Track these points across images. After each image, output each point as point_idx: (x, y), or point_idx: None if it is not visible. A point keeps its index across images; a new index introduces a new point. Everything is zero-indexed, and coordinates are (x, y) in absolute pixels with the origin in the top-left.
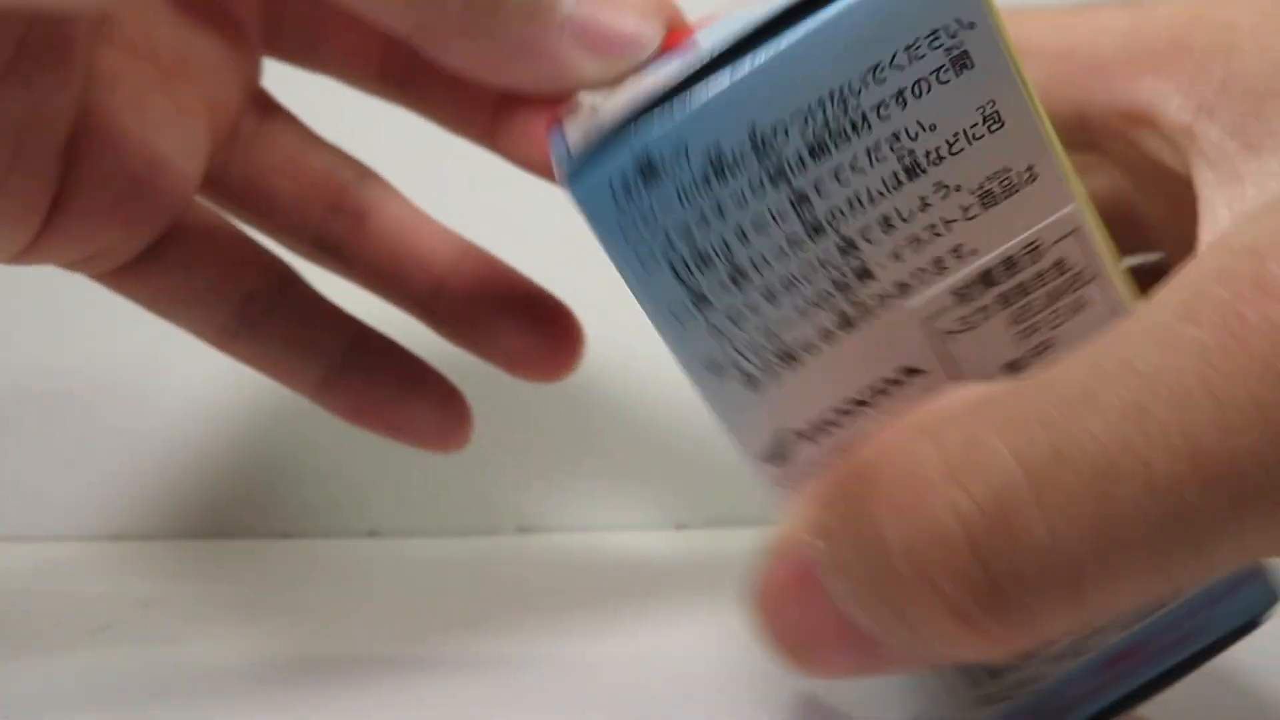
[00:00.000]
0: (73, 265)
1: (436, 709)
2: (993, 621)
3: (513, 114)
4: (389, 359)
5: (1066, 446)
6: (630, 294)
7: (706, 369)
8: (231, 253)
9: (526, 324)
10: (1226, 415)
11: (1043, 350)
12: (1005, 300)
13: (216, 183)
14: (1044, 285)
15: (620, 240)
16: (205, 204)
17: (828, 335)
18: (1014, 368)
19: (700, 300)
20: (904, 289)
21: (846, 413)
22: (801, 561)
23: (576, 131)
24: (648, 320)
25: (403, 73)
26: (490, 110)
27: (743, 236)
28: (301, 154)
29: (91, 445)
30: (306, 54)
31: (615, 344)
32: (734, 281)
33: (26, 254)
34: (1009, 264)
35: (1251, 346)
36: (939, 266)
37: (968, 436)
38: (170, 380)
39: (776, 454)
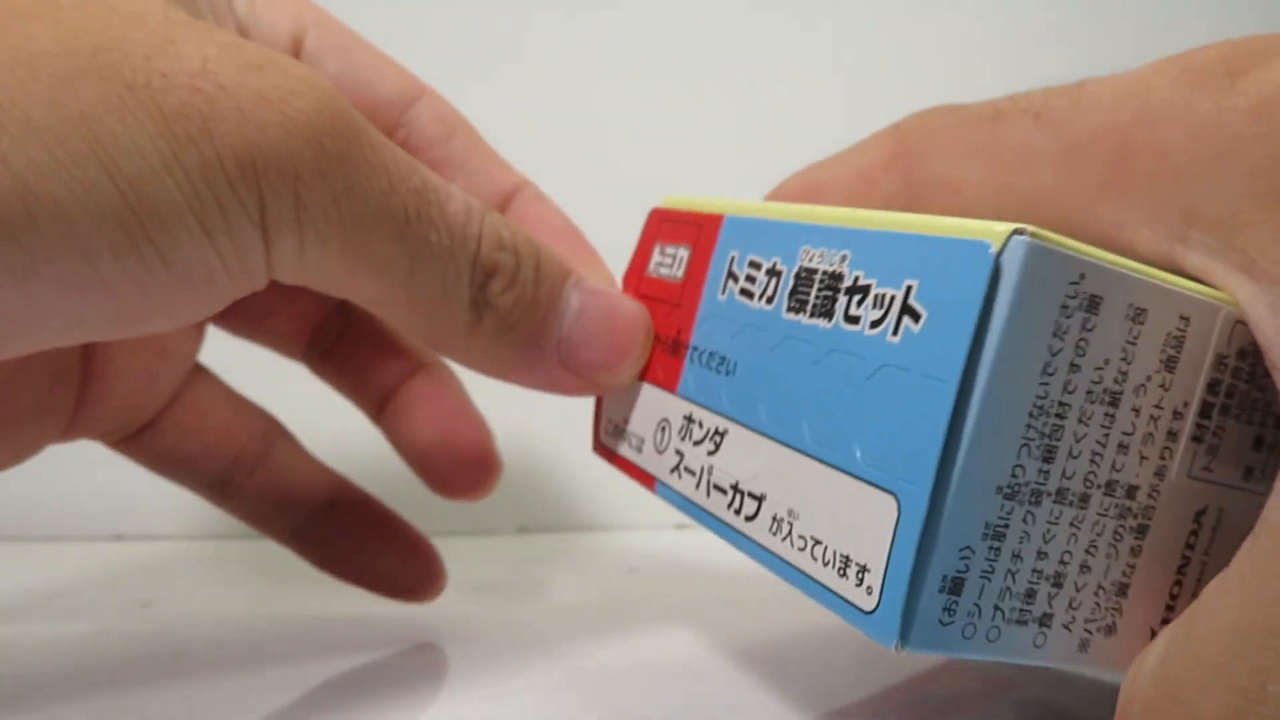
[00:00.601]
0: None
1: (436, 709)
2: None
3: (399, 406)
4: (361, 513)
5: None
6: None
7: (1080, 651)
8: (219, 420)
9: (389, 553)
10: None
11: (1268, 414)
12: (1226, 411)
13: (134, 438)
14: (1242, 376)
15: (963, 644)
16: (199, 369)
17: (1136, 550)
18: (1259, 443)
19: (1045, 619)
20: (1161, 473)
21: (1180, 581)
22: None
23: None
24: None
25: (326, 348)
26: (383, 395)
27: (1043, 555)
28: (219, 410)
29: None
30: (250, 327)
31: None
32: (1057, 585)
33: (65, 436)
34: (1212, 387)
35: None
36: (1172, 436)
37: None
38: None
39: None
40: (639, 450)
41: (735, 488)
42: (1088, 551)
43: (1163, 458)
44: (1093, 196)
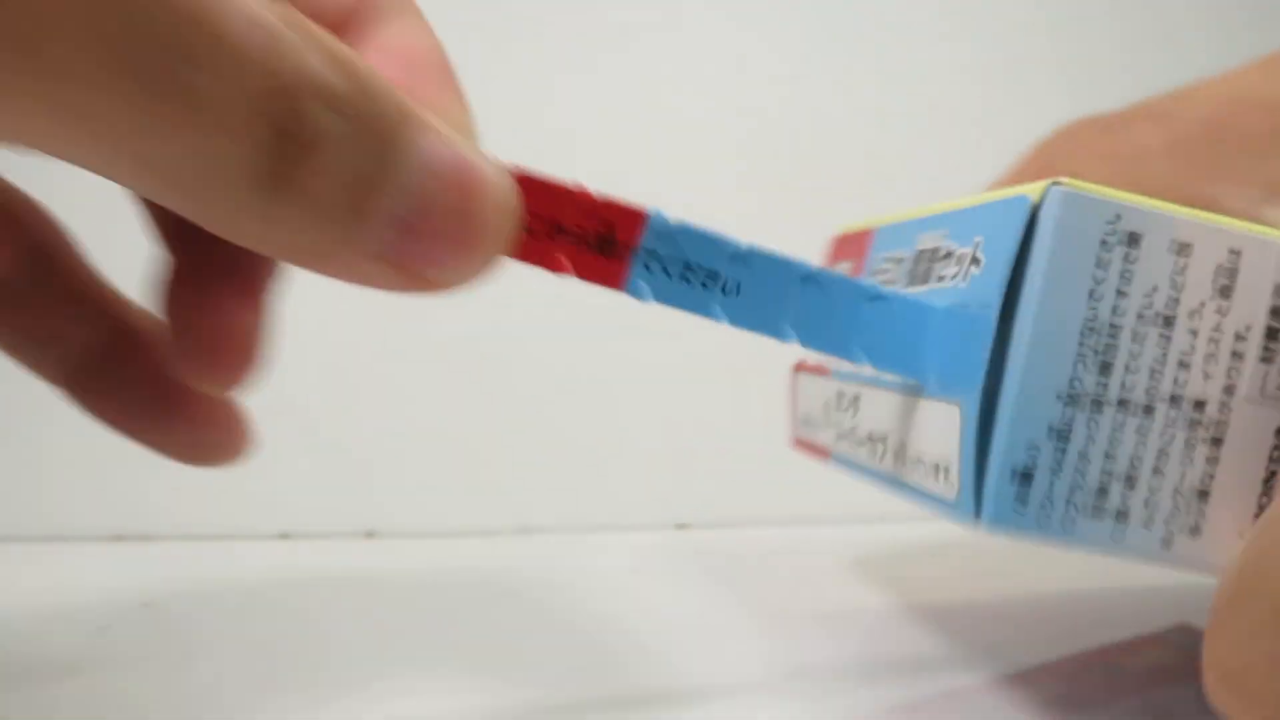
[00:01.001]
0: None
1: (436, 709)
2: None
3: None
4: (149, 358)
5: None
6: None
7: (1163, 548)
8: None
9: (182, 413)
10: None
11: None
12: None
13: None
14: None
15: (1041, 527)
16: None
17: (1213, 460)
18: None
19: (1121, 515)
20: (1229, 389)
21: (1269, 493)
22: None
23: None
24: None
25: None
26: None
27: (1111, 456)
28: None
29: (91, 445)
30: None
31: (615, 344)
32: (1130, 485)
33: None
34: (1276, 312)
35: None
36: (1237, 357)
37: (1234, 641)
38: None
39: None
40: (816, 430)
41: (871, 437)
42: (1159, 457)
43: (1229, 376)
44: (1194, 179)
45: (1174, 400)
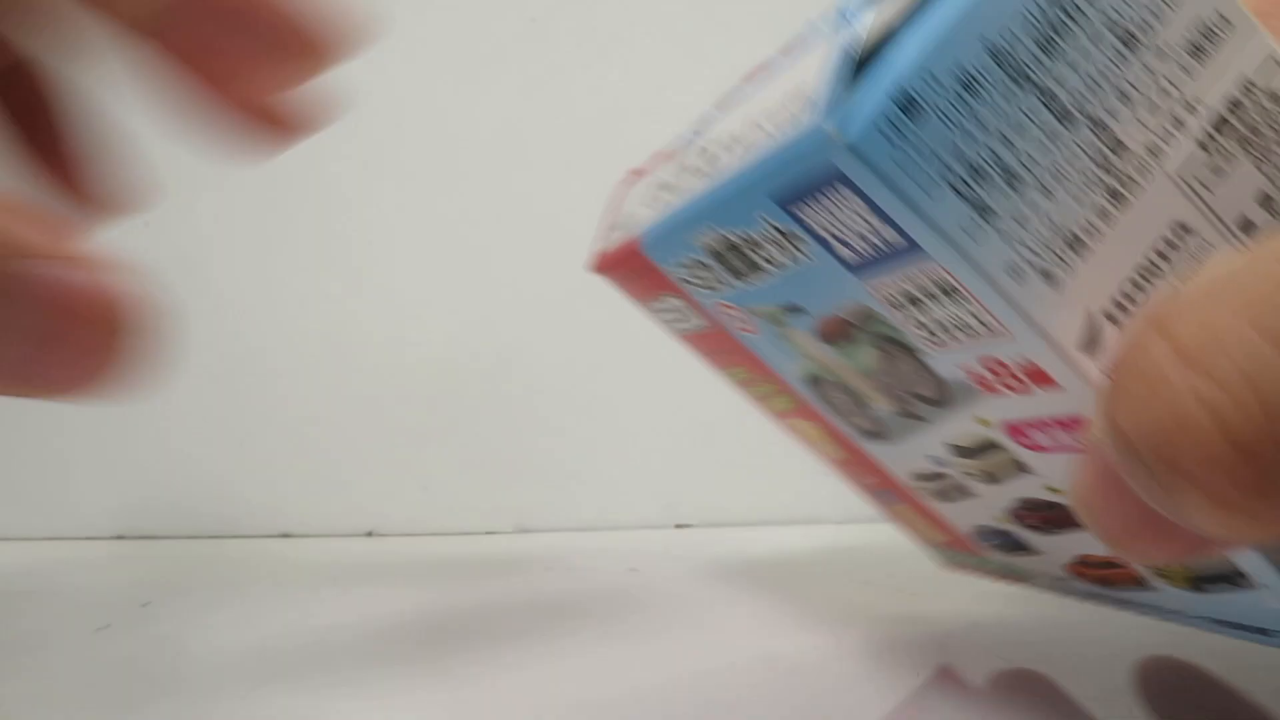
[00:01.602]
0: None
1: (436, 709)
2: (1263, 504)
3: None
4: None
5: None
6: (913, 238)
7: (1010, 276)
8: None
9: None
10: None
11: None
12: (1244, 142)
13: None
14: (1269, 119)
15: (901, 178)
16: None
17: (1104, 213)
18: (1265, 200)
19: (985, 211)
20: (1155, 152)
21: (1139, 285)
22: (1102, 458)
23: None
24: (937, 253)
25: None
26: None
27: (1007, 142)
28: None
29: (91, 445)
30: None
31: (615, 344)
32: (1010, 185)
33: None
34: (1235, 106)
35: None
36: (1177, 123)
37: (1201, 322)
38: (170, 381)
39: (1090, 341)
40: (633, 220)
41: (731, 139)
42: (1054, 175)
43: (1162, 138)
44: None
45: (1097, 125)
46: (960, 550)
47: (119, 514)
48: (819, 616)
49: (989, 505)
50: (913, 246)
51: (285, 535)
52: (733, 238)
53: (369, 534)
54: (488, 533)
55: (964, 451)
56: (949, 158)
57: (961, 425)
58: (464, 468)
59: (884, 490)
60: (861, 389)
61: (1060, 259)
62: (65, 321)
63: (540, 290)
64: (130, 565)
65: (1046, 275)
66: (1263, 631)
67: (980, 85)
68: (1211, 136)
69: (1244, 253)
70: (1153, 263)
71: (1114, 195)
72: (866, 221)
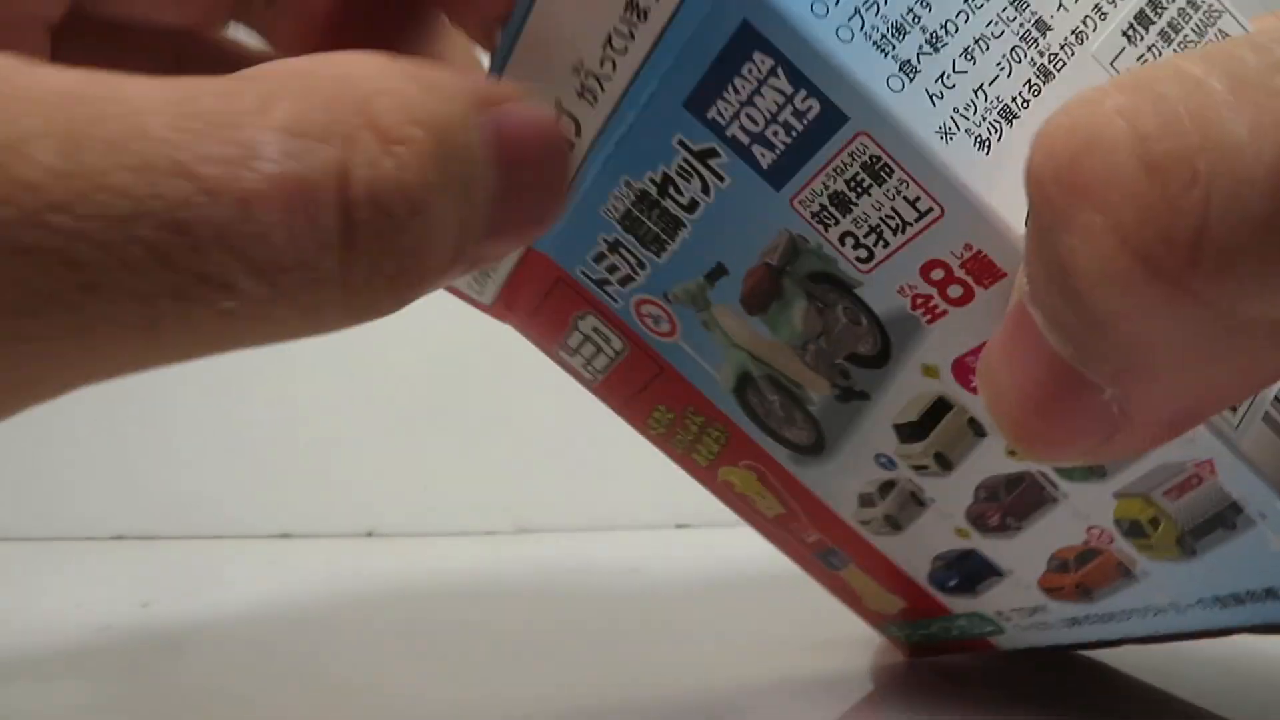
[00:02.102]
0: None
1: (435, 709)
2: (1171, 253)
3: None
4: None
5: None
6: (832, 99)
7: (940, 137)
8: None
9: None
10: None
11: None
12: (1165, 37)
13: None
14: (1189, 20)
15: (816, 26)
16: None
17: (1033, 87)
18: None
19: (908, 67)
20: (1080, 35)
21: None
22: (1015, 318)
23: None
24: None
25: None
26: None
27: (924, 4)
28: None
29: (91, 445)
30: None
31: None
32: (932, 46)
33: None
34: (1154, 3)
35: None
36: (1099, 11)
37: (1144, 67)
38: (170, 381)
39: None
40: None
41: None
42: (977, 42)
43: (1085, 23)
44: None
45: (1018, 2)
46: (920, 618)
47: (119, 514)
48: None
49: (945, 514)
50: (834, 116)
51: (285, 535)
52: (648, 186)
53: (369, 534)
54: (488, 533)
55: (912, 430)
56: (864, 8)
57: (906, 388)
58: (464, 468)
59: (829, 550)
60: (795, 375)
61: (993, 126)
62: (536, 159)
63: None
64: (130, 565)
65: (979, 141)
66: (1272, 595)
67: None
68: (1134, 28)
69: None
70: None
71: (1043, 72)
72: (783, 95)
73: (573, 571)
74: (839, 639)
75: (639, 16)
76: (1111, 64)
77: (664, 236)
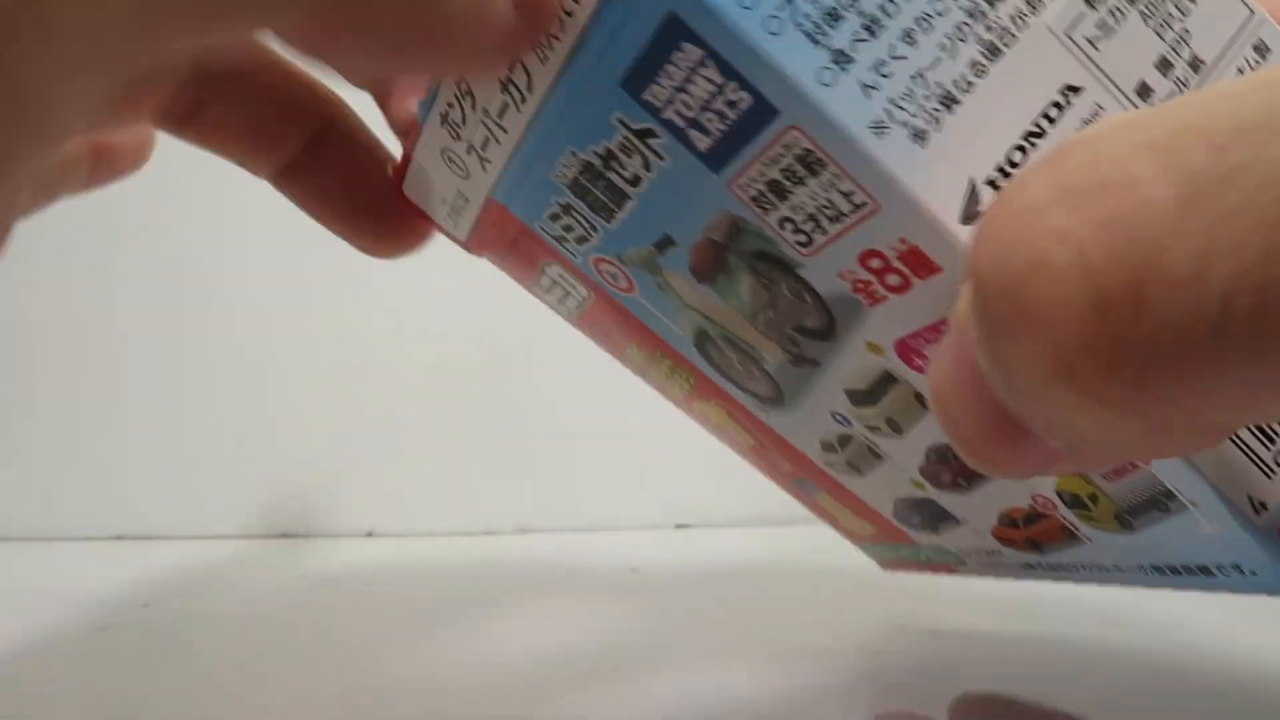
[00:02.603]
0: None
1: (435, 709)
2: (1106, 381)
3: (305, 170)
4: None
5: (1239, 167)
6: (762, 92)
7: (873, 132)
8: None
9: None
10: None
11: (1182, 41)
12: (1134, 0)
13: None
14: None
15: (743, 18)
16: None
17: (978, 68)
18: (1164, 65)
19: (841, 58)
20: (1033, 4)
21: (1024, 149)
22: (961, 338)
23: None
24: (790, 94)
25: (183, 117)
26: (282, 162)
27: None
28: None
29: (92, 445)
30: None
31: None
32: (869, 31)
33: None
34: None
35: None
36: None
37: (1094, 154)
38: (170, 381)
39: (973, 214)
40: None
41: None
42: (918, 22)
43: None
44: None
45: None
46: (891, 541)
47: (119, 514)
48: (819, 617)
49: (901, 468)
50: (765, 109)
51: (285, 535)
52: (591, 159)
53: (369, 534)
54: (488, 533)
55: (863, 397)
56: (799, 1)
57: (854, 359)
58: (464, 468)
59: (802, 478)
60: (748, 339)
61: (931, 116)
62: None
63: None
64: (130, 565)
65: (916, 133)
66: (1206, 572)
67: None
68: None
69: (1146, 109)
70: (1039, 126)
71: (990, 48)
72: (715, 85)
73: (573, 571)
74: (839, 638)
75: None
76: (1067, 34)
77: (611, 206)
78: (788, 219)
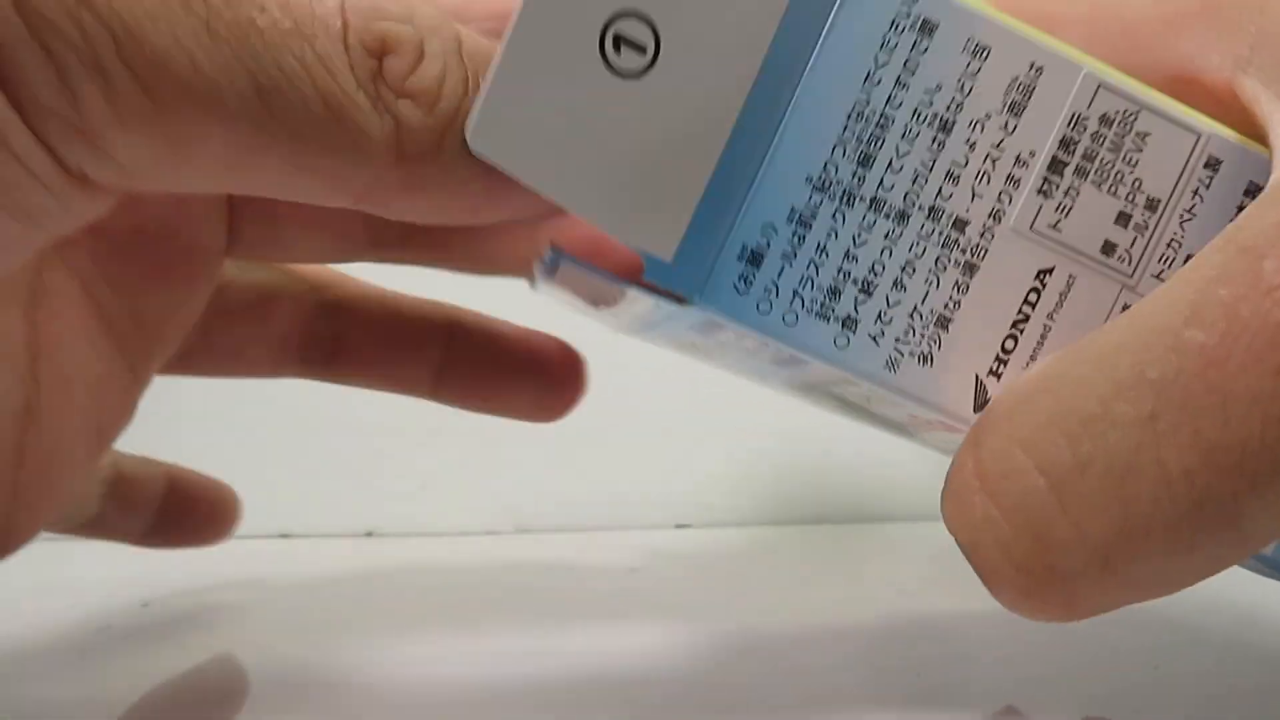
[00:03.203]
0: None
1: (435, 709)
2: (1051, 603)
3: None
4: (488, 342)
5: (1088, 457)
6: (791, 355)
7: (888, 369)
8: (260, 302)
9: (531, 380)
10: (1229, 409)
11: (1136, 189)
12: (1082, 172)
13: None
14: (1104, 142)
15: (763, 318)
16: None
17: (961, 286)
18: (1123, 219)
19: (848, 323)
20: (997, 215)
21: (1015, 337)
22: None
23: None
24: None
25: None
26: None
27: (851, 257)
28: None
29: None
30: (269, 248)
31: (615, 344)
32: (866, 293)
33: None
34: (1066, 144)
35: (1246, 343)
36: (1012, 181)
37: (999, 449)
38: (169, 381)
39: (983, 402)
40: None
41: None
42: (903, 270)
43: (999, 201)
44: (1177, 28)
45: (933, 213)
46: None
47: None
48: (819, 618)
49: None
50: (795, 357)
51: (285, 535)
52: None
53: (369, 534)
54: (488, 533)
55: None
56: (802, 289)
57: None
58: (464, 468)
59: None
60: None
61: (932, 340)
62: None
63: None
64: (130, 565)
65: (922, 358)
66: None
67: (814, 219)
68: (1048, 180)
69: (1069, 352)
70: (1023, 313)
71: (968, 269)
72: (751, 339)
73: (573, 571)
74: (839, 640)
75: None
76: (1031, 229)
77: None
78: (885, 418)
